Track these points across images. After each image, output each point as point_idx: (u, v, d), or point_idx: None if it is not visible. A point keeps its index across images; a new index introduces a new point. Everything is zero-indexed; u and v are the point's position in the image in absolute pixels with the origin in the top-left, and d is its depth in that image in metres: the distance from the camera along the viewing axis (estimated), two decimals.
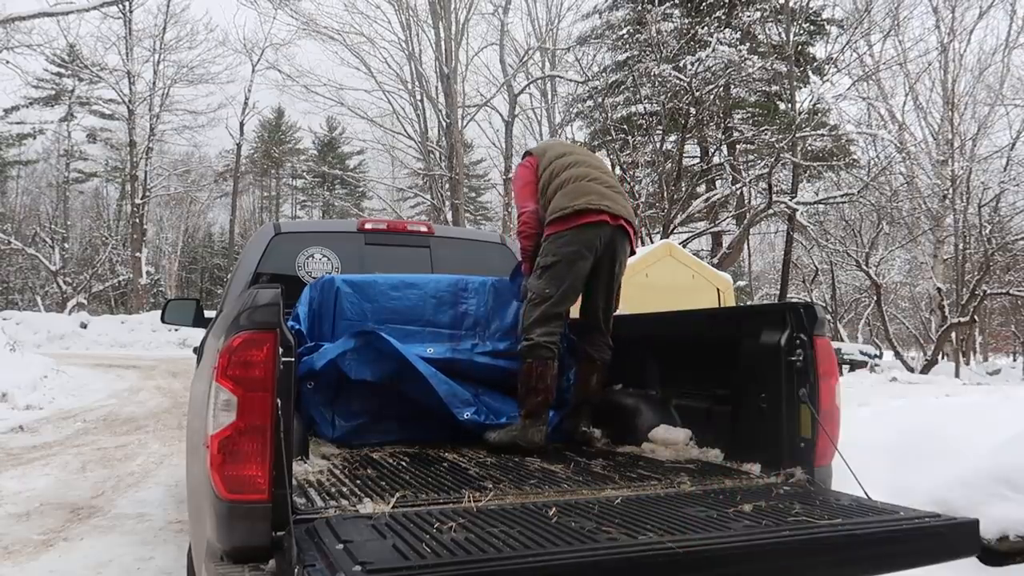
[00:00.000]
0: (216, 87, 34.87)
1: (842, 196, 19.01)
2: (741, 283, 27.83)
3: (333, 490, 2.10)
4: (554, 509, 1.89)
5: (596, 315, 3.18)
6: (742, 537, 1.71)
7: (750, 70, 18.78)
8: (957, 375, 19.75)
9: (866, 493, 2.21)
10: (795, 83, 19.98)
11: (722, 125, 20.65)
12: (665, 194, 17.95)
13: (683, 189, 18.69)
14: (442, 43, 21.23)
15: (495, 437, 2.88)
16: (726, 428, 2.68)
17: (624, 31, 21.94)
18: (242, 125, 36.01)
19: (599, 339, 3.17)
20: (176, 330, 20.20)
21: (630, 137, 19.16)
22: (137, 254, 30.51)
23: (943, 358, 22.14)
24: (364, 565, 1.43)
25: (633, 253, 3.25)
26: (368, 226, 3.96)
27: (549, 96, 25.42)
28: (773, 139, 18.07)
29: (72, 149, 38.74)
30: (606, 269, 3.14)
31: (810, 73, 21.67)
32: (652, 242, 15.89)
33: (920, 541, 1.88)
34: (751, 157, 22.35)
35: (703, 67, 18.18)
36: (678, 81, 17.76)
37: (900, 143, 21.18)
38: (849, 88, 20.94)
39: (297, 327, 3.03)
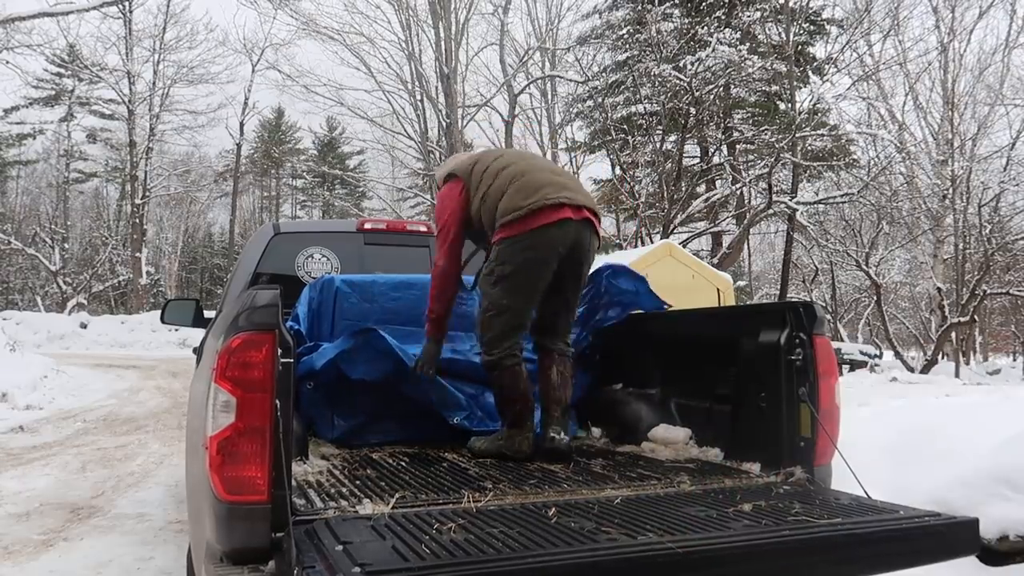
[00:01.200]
0: (216, 87, 34.96)
1: (842, 196, 19.02)
2: (741, 283, 27.85)
3: (332, 491, 2.10)
4: (554, 509, 1.89)
5: (554, 320, 2.88)
6: (742, 537, 1.71)
7: (750, 70, 18.78)
8: (957, 375, 19.75)
9: (866, 492, 2.21)
10: (795, 83, 19.99)
11: (722, 125, 20.67)
12: (665, 194, 17.96)
13: (683, 189, 18.70)
14: (442, 43, 21.23)
15: (480, 445, 2.74)
16: (726, 427, 2.68)
17: (624, 31, 21.94)
18: (242, 125, 36.05)
19: (556, 335, 2.90)
20: (176, 330, 20.19)
21: (630, 137, 19.19)
22: (137, 254, 30.51)
23: (943, 358, 22.14)
24: (363, 566, 1.43)
25: (599, 244, 2.94)
26: (368, 226, 3.96)
27: (549, 96, 25.42)
28: (773, 139, 18.08)
29: (72, 149, 38.75)
30: (571, 272, 2.82)
31: (810, 73, 21.69)
32: (652, 242, 15.89)
33: (920, 540, 1.88)
34: (751, 157, 22.36)
35: (703, 67, 18.18)
36: (678, 81, 17.76)
37: (900, 143, 21.18)
38: (849, 88, 20.96)
39: (296, 327, 3.00)
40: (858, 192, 18.60)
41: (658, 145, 18.90)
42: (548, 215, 2.68)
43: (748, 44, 19.32)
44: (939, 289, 20.69)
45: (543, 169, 2.86)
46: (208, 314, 4.17)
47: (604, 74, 22.77)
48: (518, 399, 2.73)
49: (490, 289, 2.77)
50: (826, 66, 20.85)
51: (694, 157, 21.82)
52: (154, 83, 30.68)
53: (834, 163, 18.64)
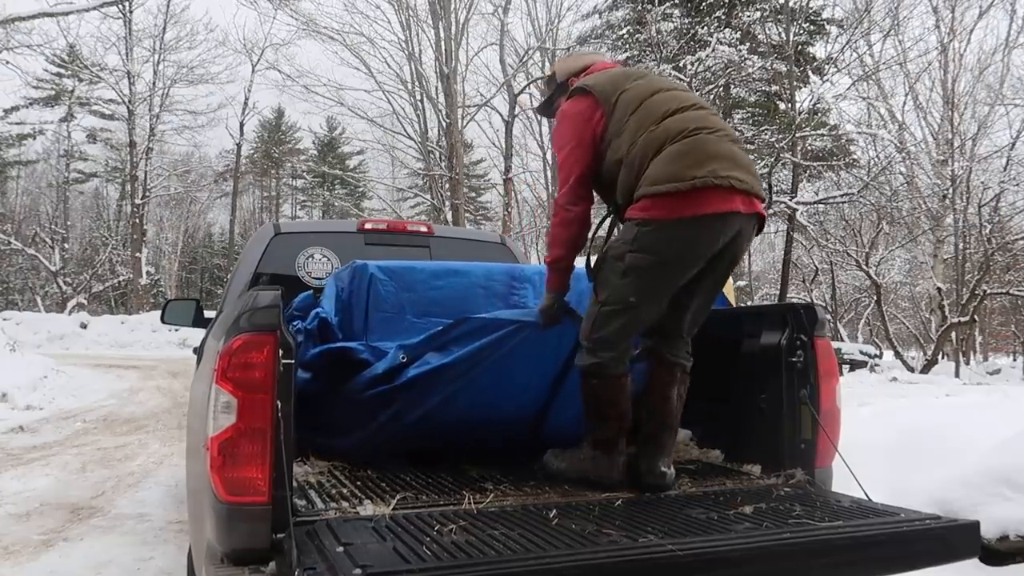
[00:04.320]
0: (216, 87, 34.63)
1: (842, 196, 19.03)
2: (741, 283, 27.85)
3: (333, 492, 2.10)
4: (555, 511, 1.89)
5: (679, 321, 2.34)
6: (743, 539, 1.72)
7: (750, 70, 18.81)
8: (957, 375, 19.77)
9: (866, 494, 2.21)
10: (795, 83, 19.99)
11: None
12: None
13: None
14: (442, 43, 21.22)
15: (557, 465, 2.29)
16: (726, 429, 2.68)
17: (624, 31, 21.97)
18: (242, 125, 36.00)
19: (679, 343, 2.39)
20: (176, 330, 20.18)
21: None
22: (137, 254, 30.50)
23: (943, 358, 22.15)
24: (364, 568, 1.43)
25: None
26: (368, 226, 3.96)
27: None
28: (773, 139, 18.09)
29: (72, 149, 38.71)
30: (717, 270, 2.27)
31: (810, 73, 21.67)
32: None
33: (920, 543, 1.89)
34: (751, 157, 22.33)
35: (703, 67, 18.20)
36: (678, 81, 17.77)
37: (900, 143, 21.18)
38: (849, 88, 20.96)
39: (324, 315, 2.66)
40: (858, 192, 18.61)
41: None
42: (714, 200, 2.09)
43: (748, 44, 19.34)
44: (939, 289, 20.70)
45: (716, 128, 2.20)
46: (208, 314, 4.16)
47: None
48: (615, 417, 2.25)
49: (616, 280, 2.20)
50: (826, 66, 20.85)
51: None
52: (154, 83, 30.67)
53: (834, 163, 18.65)
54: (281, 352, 1.74)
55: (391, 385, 2.37)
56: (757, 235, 2.31)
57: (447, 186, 21.92)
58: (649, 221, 2.12)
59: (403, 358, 2.36)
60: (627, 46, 22.00)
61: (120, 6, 25.70)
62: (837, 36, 21.85)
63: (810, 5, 21.56)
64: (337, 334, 2.63)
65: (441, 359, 2.32)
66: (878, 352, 23.77)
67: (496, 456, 2.50)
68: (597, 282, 2.28)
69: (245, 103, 34.64)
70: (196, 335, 3.73)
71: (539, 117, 26.02)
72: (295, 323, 2.74)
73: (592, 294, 2.29)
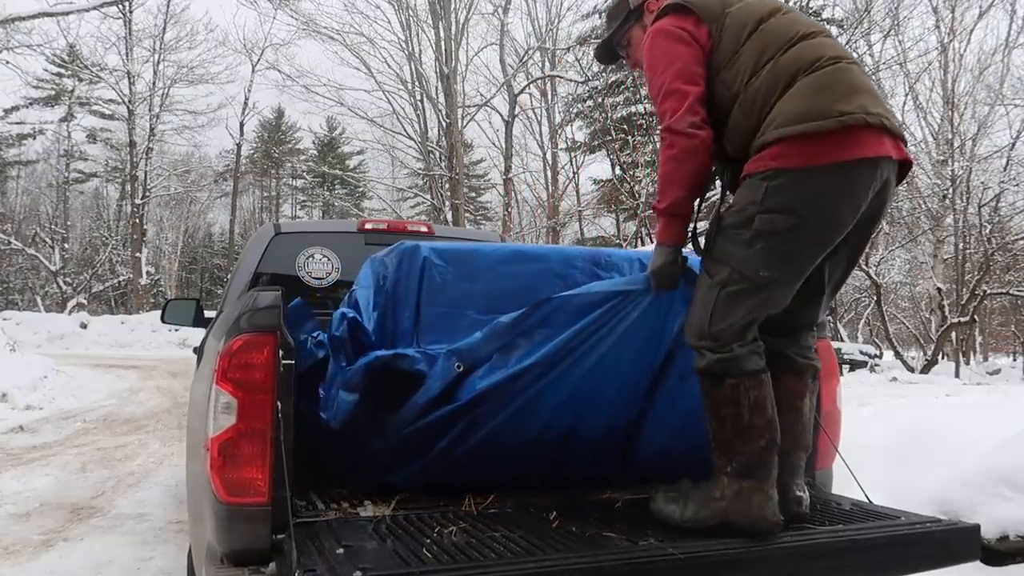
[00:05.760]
0: (216, 87, 34.67)
1: None
2: None
3: (334, 492, 2.10)
4: (555, 513, 1.89)
5: (812, 307, 1.91)
6: (743, 543, 1.71)
7: None
8: (957, 375, 19.78)
9: (867, 497, 2.21)
10: None
11: None
12: None
13: None
14: (442, 43, 21.22)
15: (682, 512, 1.77)
16: None
17: None
18: (242, 125, 36.03)
19: (807, 338, 1.96)
20: (176, 330, 20.19)
21: (630, 137, 19.19)
22: (137, 254, 30.51)
23: (943, 358, 22.16)
24: (364, 570, 1.43)
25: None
26: (368, 226, 3.95)
27: (549, 96, 25.42)
28: None
29: (72, 149, 38.72)
30: (856, 236, 1.83)
31: None
32: (652, 242, 15.91)
33: (921, 547, 1.89)
34: None
35: None
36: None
37: None
38: None
39: (353, 315, 2.11)
40: None
41: (658, 145, 18.90)
42: (867, 142, 1.68)
43: None
44: (939, 289, 20.70)
45: (853, 60, 1.80)
46: (208, 314, 4.17)
47: (604, 74, 22.76)
48: (761, 429, 1.74)
49: (740, 251, 1.75)
50: None
51: None
52: (154, 83, 30.67)
53: None
54: (281, 352, 1.74)
55: (453, 406, 1.92)
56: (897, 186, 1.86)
57: (447, 186, 21.92)
58: (781, 171, 1.69)
59: (459, 367, 1.92)
60: None
61: (120, 6, 25.69)
62: (837, 36, 21.82)
63: (810, 5, 21.56)
64: (371, 338, 2.10)
65: (519, 362, 1.88)
66: (878, 352, 23.76)
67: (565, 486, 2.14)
68: (710, 259, 1.83)
69: (245, 103, 34.69)
70: (196, 335, 3.73)
71: (538, 117, 26.04)
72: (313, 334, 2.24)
73: (704, 274, 1.84)
